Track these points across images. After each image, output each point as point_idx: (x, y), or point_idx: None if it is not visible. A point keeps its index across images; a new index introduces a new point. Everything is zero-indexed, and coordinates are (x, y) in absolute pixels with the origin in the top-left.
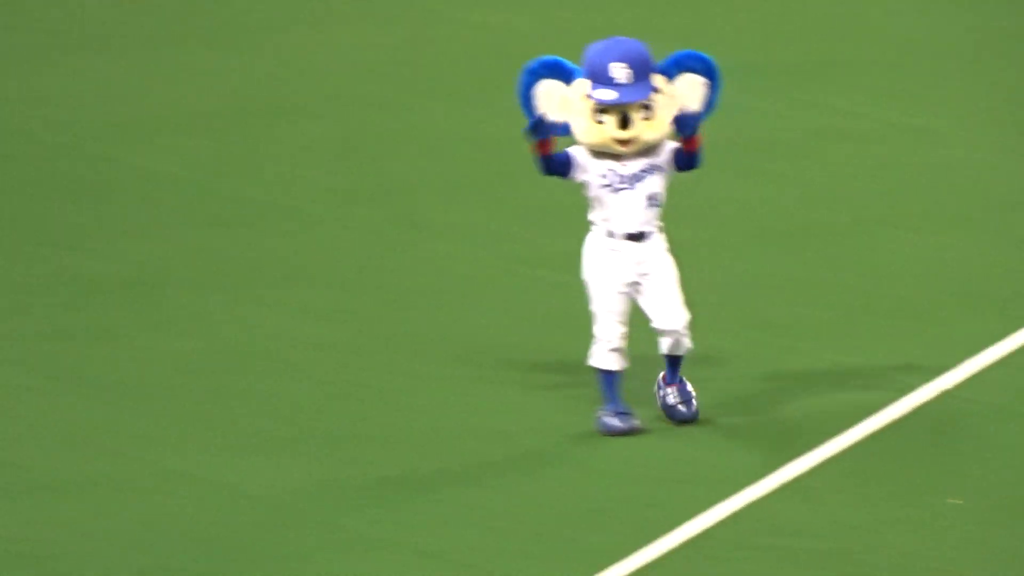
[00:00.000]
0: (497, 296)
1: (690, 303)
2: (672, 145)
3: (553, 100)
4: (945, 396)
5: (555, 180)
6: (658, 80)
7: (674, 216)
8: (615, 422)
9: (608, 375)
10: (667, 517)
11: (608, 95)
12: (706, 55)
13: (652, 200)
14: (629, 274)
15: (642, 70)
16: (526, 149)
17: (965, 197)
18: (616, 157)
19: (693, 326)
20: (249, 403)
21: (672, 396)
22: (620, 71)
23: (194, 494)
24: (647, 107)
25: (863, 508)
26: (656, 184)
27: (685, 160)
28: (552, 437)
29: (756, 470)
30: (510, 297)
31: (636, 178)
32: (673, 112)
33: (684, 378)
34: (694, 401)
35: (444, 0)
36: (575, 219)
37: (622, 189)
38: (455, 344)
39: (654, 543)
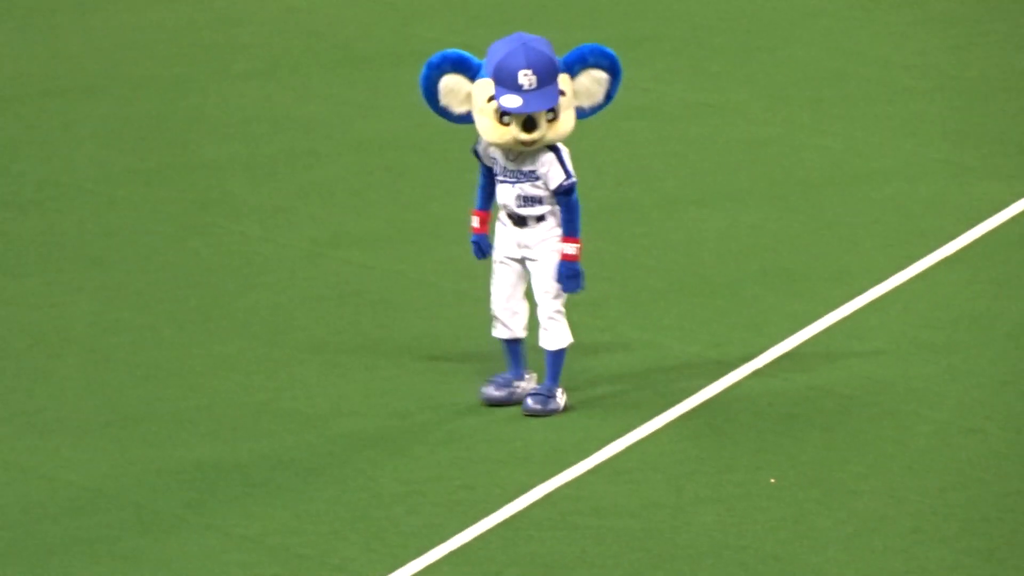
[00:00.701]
0: (301, 278)
1: None
2: (557, 174)
3: (457, 96)
4: (758, 375)
5: (358, 161)
6: (563, 81)
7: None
8: (489, 390)
9: (502, 342)
10: (484, 498)
11: (514, 102)
12: (610, 51)
13: (527, 200)
14: (511, 250)
15: (548, 75)
16: (331, 131)
17: (775, 176)
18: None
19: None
20: (56, 387)
21: (525, 385)
22: (526, 78)
23: (4, 479)
24: (552, 109)
25: (675, 488)
26: (530, 189)
27: (563, 211)
28: (364, 419)
29: (573, 451)
30: (315, 279)
31: (515, 176)
32: (574, 108)
33: (556, 381)
34: (550, 401)
35: None
36: (381, 202)
37: (504, 180)
38: (259, 326)
39: (471, 525)
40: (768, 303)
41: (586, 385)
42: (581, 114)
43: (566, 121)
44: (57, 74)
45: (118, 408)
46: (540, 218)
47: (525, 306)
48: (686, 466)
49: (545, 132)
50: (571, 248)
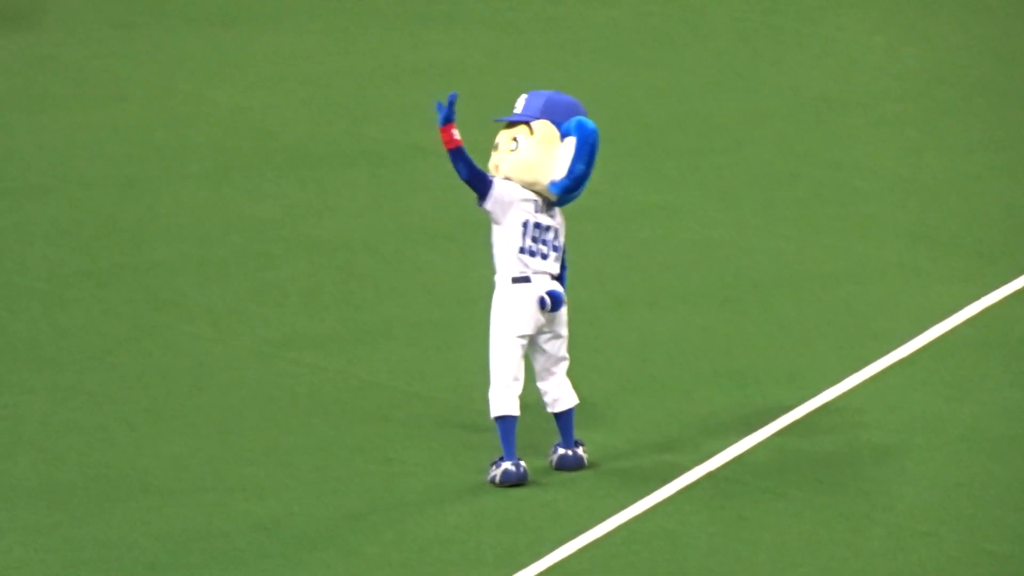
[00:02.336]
0: (253, 379)
1: (459, 385)
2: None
3: None
4: (710, 478)
5: (310, 262)
6: (541, 125)
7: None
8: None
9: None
10: None
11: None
12: (589, 125)
13: (491, 245)
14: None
15: (533, 107)
16: (283, 232)
17: (726, 277)
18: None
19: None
20: (6, 487)
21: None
22: (519, 102)
23: None
24: (516, 139)
25: None
26: (493, 232)
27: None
28: (315, 521)
29: (525, 552)
30: (266, 380)
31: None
32: (538, 160)
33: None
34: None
35: (200, 82)
36: (332, 303)
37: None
38: (210, 427)
39: None
40: (720, 405)
41: (536, 486)
42: (554, 187)
43: (521, 156)
44: (8, 174)
45: (69, 509)
46: (496, 277)
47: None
48: (639, 570)
49: (502, 160)
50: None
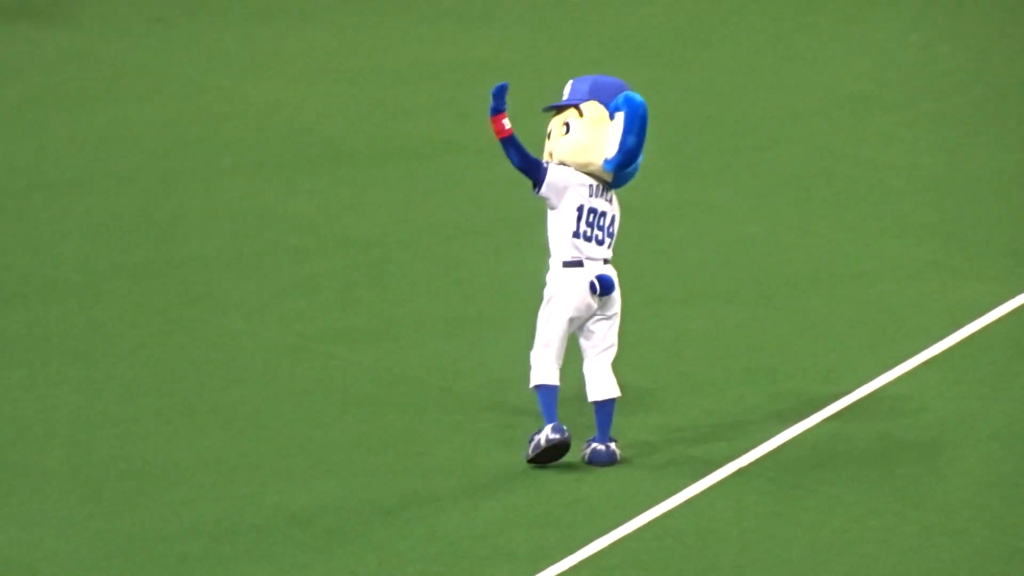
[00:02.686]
0: (286, 373)
1: (492, 381)
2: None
3: None
4: (742, 474)
5: (344, 257)
6: (590, 107)
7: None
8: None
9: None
10: None
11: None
12: (636, 99)
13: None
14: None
15: (579, 91)
16: (317, 227)
17: (760, 275)
18: None
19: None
20: (39, 480)
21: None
22: (566, 88)
23: None
24: (566, 124)
25: None
26: (548, 217)
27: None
28: (347, 515)
29: (557, 548)
30: (300, 374)
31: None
32: (591, 141)
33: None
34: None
35: (236, 78)
36: (366, 298)
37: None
38: (243, 420)
39: None
40: (753, 402)
41: (570, 482)
42: (608, 164)
43: (573, 138)
44: (43, 168)
45: (101, 501)
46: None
47: None
48: (670, 566)
49: (555, 146)
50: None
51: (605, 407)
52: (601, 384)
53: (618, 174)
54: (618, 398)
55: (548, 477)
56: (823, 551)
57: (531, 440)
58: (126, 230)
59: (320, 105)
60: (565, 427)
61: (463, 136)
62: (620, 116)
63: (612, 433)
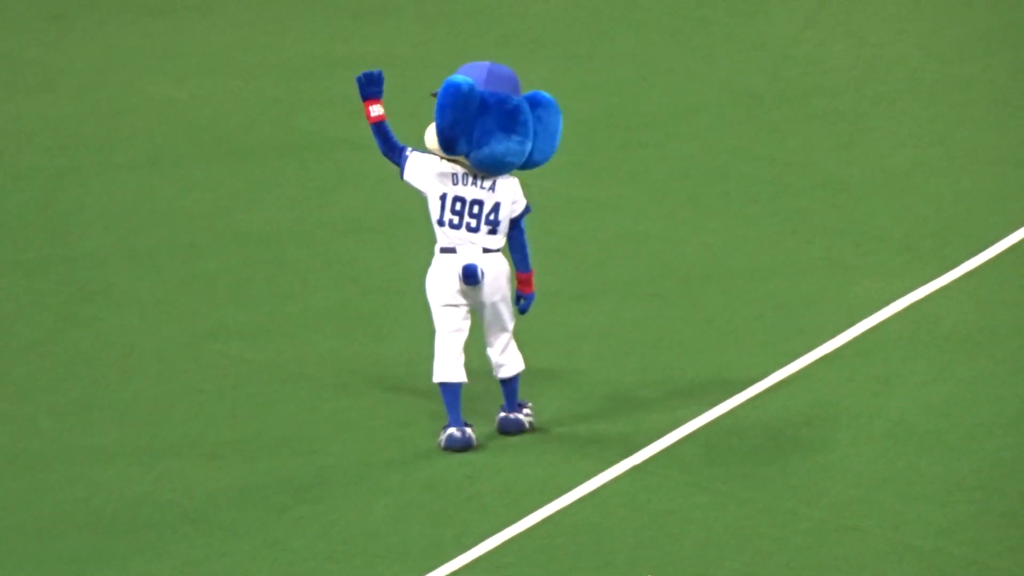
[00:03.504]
0: (181, 370)
1: (386, 378)
2: None
3: None
4: (636, 471)
5: (239, 253)
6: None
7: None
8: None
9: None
10: None
11: None
12: (450, 82)
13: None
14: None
15: (475, 77)
16: (212, 223)
17: (655, 271)
18: None
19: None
20: None
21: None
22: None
23: None
24: None
25: None
26: None
27: None
28: (241, 512)
29: (451, 545)
30: (194, 371)
31: None
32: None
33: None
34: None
35: (132, 73)
36: (261, 294)
37: None
38: (138, 418)
39: None
40: (647, 398)
41: (463, 480)
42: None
43: (430, 127)
44: None
45: None
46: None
47: None
48: (564, 563)
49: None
50: None
51: (510, 382)
52: (504, 363)
53: (476, 162)
54: (523, 371)
55: (442, 475)
56: (716, 548)
57: (441, 430)
58: (21, 226)
59: (215, 101)
60: (468, 429)
61: (357, 132)
62: None
63: (524, 399)
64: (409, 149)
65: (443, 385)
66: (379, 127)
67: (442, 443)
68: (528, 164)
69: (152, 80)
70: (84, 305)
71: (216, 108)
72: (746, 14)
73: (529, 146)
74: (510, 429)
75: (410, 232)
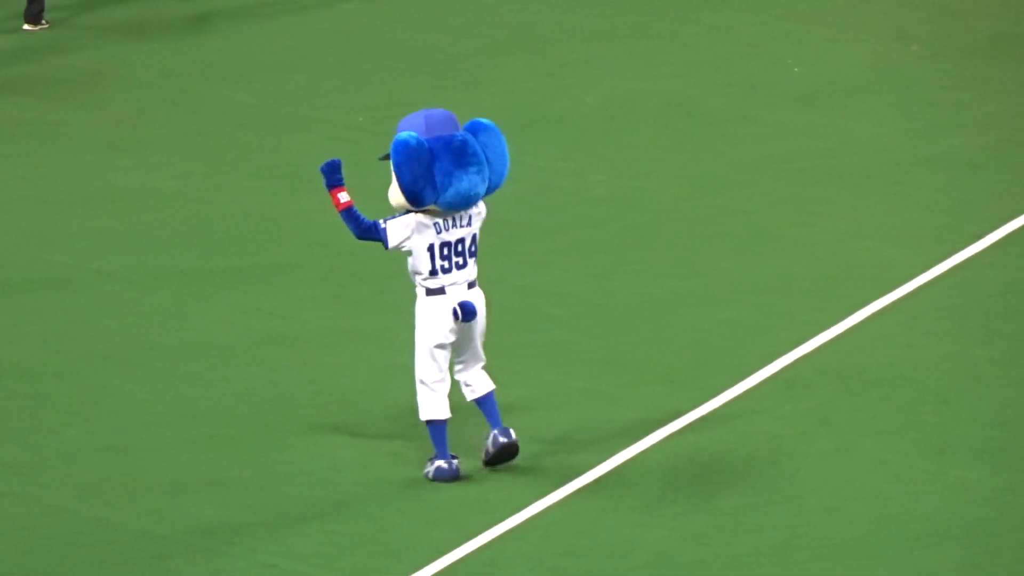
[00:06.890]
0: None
1: (145, 512)
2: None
3: None
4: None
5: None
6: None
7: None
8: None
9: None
10: None
11: None
12: (397, 140)
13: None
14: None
15: (416, 129)
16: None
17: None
18: None
19: None
20: None
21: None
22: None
23: None
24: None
25: None
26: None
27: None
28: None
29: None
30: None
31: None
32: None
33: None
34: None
35: None
36: (20, 428)
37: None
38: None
39: None
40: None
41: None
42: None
43: (391, 187)
44: None
45: None
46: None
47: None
48: None
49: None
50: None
51: (487, 399)
52: (475, 382)
53: (447, 205)
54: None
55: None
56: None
57: (428, 462)
58: None
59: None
60: (455, 460)
61: (115, 265)
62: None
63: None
64: (383, 221)
65: (431, 422)
66: (349, 212)
67: (430, 475)
68: (489, 189)
69: None
70: None
71: None
72: (508, 142)
73: (487, 172)
74: (510, 450)
75: (168, 364)
